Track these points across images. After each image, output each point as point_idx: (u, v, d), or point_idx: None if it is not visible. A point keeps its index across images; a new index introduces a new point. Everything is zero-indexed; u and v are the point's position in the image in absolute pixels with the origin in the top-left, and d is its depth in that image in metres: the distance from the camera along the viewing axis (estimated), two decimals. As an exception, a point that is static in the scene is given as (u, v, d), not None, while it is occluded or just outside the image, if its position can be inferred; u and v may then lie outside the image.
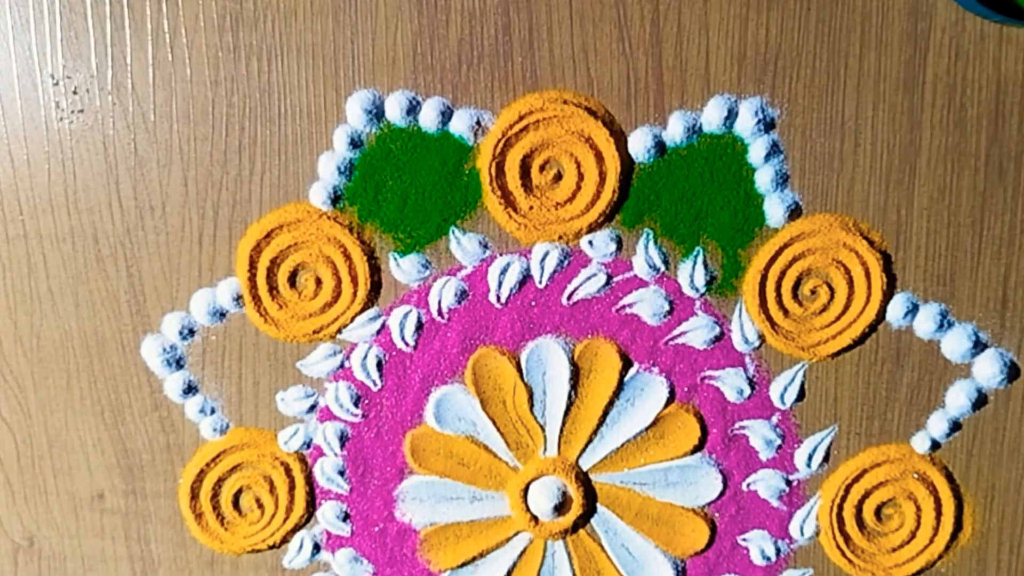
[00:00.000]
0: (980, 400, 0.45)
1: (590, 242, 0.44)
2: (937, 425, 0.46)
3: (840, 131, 0.42)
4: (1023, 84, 0.41)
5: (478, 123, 0.42)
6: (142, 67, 0.43)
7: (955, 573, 0.48)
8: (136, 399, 0.47)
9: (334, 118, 0.43)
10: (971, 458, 0.46)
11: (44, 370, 0.47)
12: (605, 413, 0.46)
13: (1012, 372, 0.45)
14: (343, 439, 0.47)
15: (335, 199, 0.44)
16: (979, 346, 0.45)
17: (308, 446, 0.47)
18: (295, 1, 0.42)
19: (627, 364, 0.46)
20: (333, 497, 0.48)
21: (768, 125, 0.42)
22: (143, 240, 0.45)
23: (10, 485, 0.49)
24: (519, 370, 0.46)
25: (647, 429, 0.46)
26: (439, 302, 0.45)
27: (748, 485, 0.47)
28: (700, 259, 0.44)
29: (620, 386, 0.46)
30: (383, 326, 0.46)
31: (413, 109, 0.43)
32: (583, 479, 0.47)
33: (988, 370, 0.45)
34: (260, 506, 0.48)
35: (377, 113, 0.43)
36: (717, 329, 0.45)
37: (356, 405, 0.47)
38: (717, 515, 0.48)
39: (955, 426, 0.46)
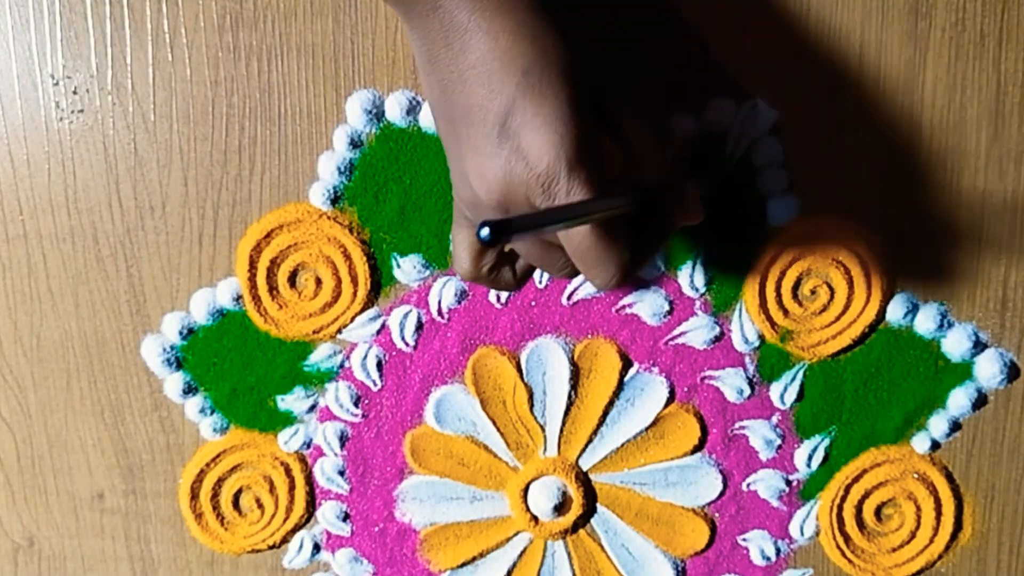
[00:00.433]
0: (980, 400, 0.45)
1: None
2: (937, 425, 0.46)
3: (840, 131, 0.42)
4: (1023, 84, 0.41)
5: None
6: (142, 67, 0.43)
7: (955, 573, 0.48)
8: (136, 399, 0.47)
9: (334, 118, 0.43)
10: (971, 458, 0.46)
11: (44, 370, 0.47)
12: (605, 413, 0.46)
13: (1012, 372, 0.45)
14: (343, 439, 0.47)
15: (335, 199, 0.44)
16: (979, 346, 0.45)
17: (308, 446, 0.47)
18: (295, 1, 0.42)
19: (627, 364, 0.46)
20: (333, 497, 0.48)
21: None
22: (143, 240, 0.45)
23: (10, 485, 0.49)
24: (519, 370, 0.46)
25: (647, 429, 0.46)
26: (439, 302, 0.45)
27: (748, 485, 0.47)
28: (700, 259, 0.44)
29: (620, 386, 0.46)
30: (383, 326, 0.46)
31: (413, 109, 0.43)
32: (583, 479, 0.47)
33: (988, 370, 0.45)
34: (260, 506, 0.48)
35: (377, 113, 0.43)
36: (717, 329, 0.45)
37: (356, 405, 0.47)
38: (717, 515, 0.48)
39: (955, 426, 0.46)
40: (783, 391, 0.45)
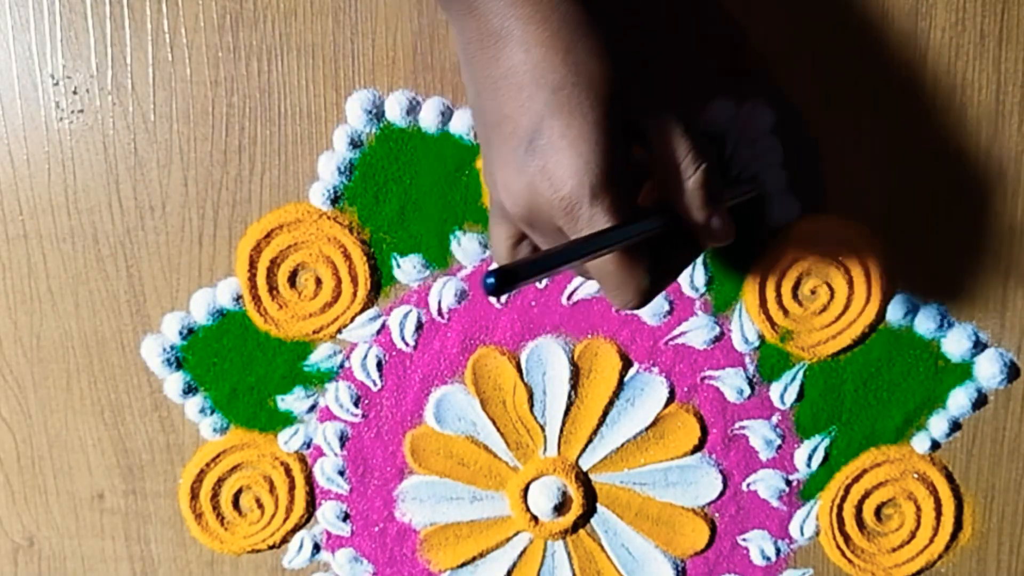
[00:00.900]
0: (980, 400, 0.45)
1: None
2: (937, 425, 0.46)
3: (840, 132, 0.42)
4: (1023, 84, 0.41)
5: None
6: (142, 67, 0.43)
7: (955, 573, 0.48)
8: (136, 399, 0.47)
9: (334, 118, 0.43)
10: (971, 458, 0.46)
11: (44, 370, 0.47)
12: (605, 413, 0.46)
13: (1012, 372, 0.45)
14: (343, 439, 0.47)
15: (335, 199, 0.44)
16: (979, 346, 0.45)
17: (308, 446, 0.47)
18: (295, 1, 0.42)
19: (627, 364, 0.46)
20: (333, 497, 0.48)
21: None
22: (143, 240, 0.45)
23: (10, 485, 0.49)
24: (519, 370, 0.46)
25: (647, 429, 0.46)
26: (439, 302, 0.45)
27: (748, 485, 0.47)
28: (700, 259, 0.44)
29: (620, 386, 0.46)
30: (383, 326, 0.46)
31: (413, 109, 0.43)
32: (583, 479, 0.47)
33: (988, 370, 0.45)
34: (260, 506, 0.48)
35: (377, 113, 0.43)
36: (717, 329, 0.45)
37: (356, 405, 0.47)
38: (717, 515, 0.48)
39: (955, 426, 0.46)
40: (783, 391, 0.45)
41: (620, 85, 0.32)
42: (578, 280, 0.45)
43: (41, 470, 0.49)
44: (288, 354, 0.46)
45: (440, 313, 0.45)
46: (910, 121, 0.42)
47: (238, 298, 0.45)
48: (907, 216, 0.43)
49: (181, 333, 0.46)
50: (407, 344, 0.46)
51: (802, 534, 0.48)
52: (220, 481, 0.48)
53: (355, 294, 0.45)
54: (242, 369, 0.46)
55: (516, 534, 0.48)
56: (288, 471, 0.48)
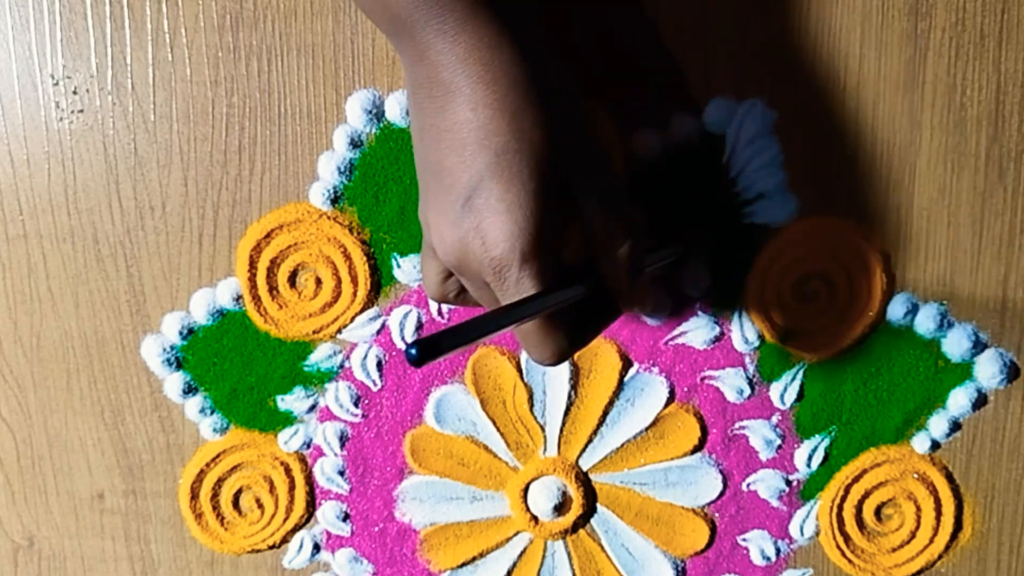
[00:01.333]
0: (980, 400, 0.45)
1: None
2: (937, 425, 0.46)
3: (840, 131, 0.42)
4: (1023, 84, 0.41)
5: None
6: (142, 67, 0.43)
7: (955, 573, 0.48)
8: (136, 399, 0.47)
9: (334, 118, 0.43)
10: (971, 458, 0.46)
11: (44, 370, 0.47)
12: (605, 413, 0.46)
13: (1012, 372, 0.45)
14: (343, 439, 0.47)
15: (335, 199, 0.44)
16: (979, 346, 0.45)
17: (308, 446, 0.47)
18: (295, 1, 0.42)
19: (627, 364, 0.46)
20: (333, 497, 0.48)
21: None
22: (143, 240, 0.45)
23: (10, 485, 0.49)
24: (519, 370, 0.46)
25: (647, 429, 0.46)
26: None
27: (748, 485, 0.47)
28: (700, 259, 0.44)
29: (620, 386, 0.46)
30: (383, 326, 0.46)
31: (413, 109, 0.43)
32: (583, 479, 0.47)
33: (988, 370, 0.45)
34: (260, 506, 0.48)
35: (377, 113, 0.43)
36: (717, 329, 0.45)
37: (356, 405, 0.47)
38: (717, 515, 0.48)
39: (955, 426, 0.46)
40: (783, 391, 0.45)
41: (560, 156, 0.33)
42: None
43: (41, 470, 0.49)
44: (288, 354, 0.46)
45: (440, 313, 0.45)
46: (910, 121, 0.42)
47: (238, 298, 0.45)
48: (907, 216, 0.43)
49: (181, 333, 0.46)
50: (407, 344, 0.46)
51: (802, 534, 0.48)
52: (220, 481, 0.48)
53: (355, 294, 0.45)
54: (242, 369, 0.46)
55: (516, 534, 0.48)
56: (288, 471, 0.48)
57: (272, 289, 0.45)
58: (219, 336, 0.46)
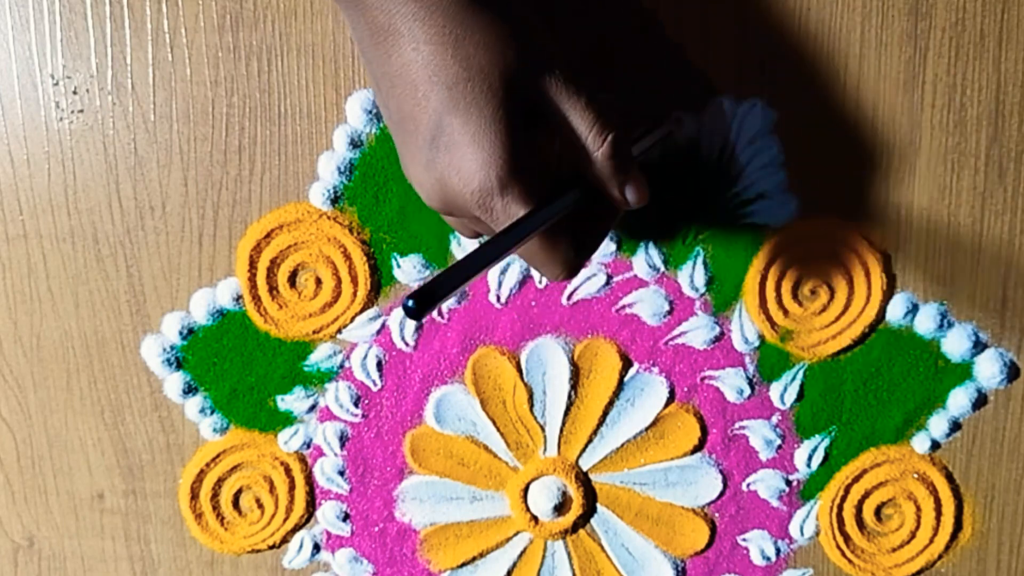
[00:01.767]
0: (980, 400, 0.45)
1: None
2: (937, 425, 0.46)
3: (840, 132, 0.42)
4: (1023, 84, 0.41)
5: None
6: (142, 67, 0.43)
7: (955, 573, 0.48)
8: (136, 399, 0.47)
9: (334, 118, 0.43)
10: (971, 458, 0.46)
11: (44, 370, 0.47)
12: (605, 413, 0.46)
13: (1012, 372, 0.45)
14: (343, 439, 0.47)
15: (335, 199, 0.44)
16: (979, 346, 0.45)
17: (308, 446, 0.47)
18: (295, 1, 0.42)
19: (627, 364, 0.46)
20: (333, 497, 0.48)
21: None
22: (143, 240, 0.45)
23: (10, 485, 0.49)
24: (519, 370, 0.46)
25: (647, 429, 0.46)
26: (439, 302, 0.45)
27: (748, 485, 0.47)
28: (700, 259, 0.44)
29: (620, 386, 0.46)
30: (383, 326, 0.46)
31: (413, 109, 0.42)
32: (583, 479, 0.47)
33: (988, 370, 0.45)
34: (260, 506, 0.48)
35: (377, 113, 0.43)
36: (717, 329, 0.45)
37: (356, 405, 0.47)
38: (717, 515, 0.48)
39: (955, 426, 0.46)
40: (783, 391, 0.45)
41: (514, 72, 0.32)
42: (578, 280, 0.45)
43: (41, 470, 0.49)
44: (288, 354, 0.46)
45: (440, 313, 0.45)
46: (910, 121, 0.42)
47: (238, 298, 0.45)
48: (907, 216, 0.43)
49: (181, 333, 0.46)
50: (407, 344, 0.46)
51: (802, 534, 0.48)
52: (220, 481, 0.48)
53: (355, 294, 0.45)
54: (242, 369, 0.46)
55: (516, 534, 0.48)
56: (288, 471, 0.48)
57: (272, 289, 0.45)
58: (219, 336, 0.46)
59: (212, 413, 0.47)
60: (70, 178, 0.44)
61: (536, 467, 0.47)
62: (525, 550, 0.49)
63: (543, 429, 0.47)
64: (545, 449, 0.47)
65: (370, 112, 0.42)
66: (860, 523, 0.47)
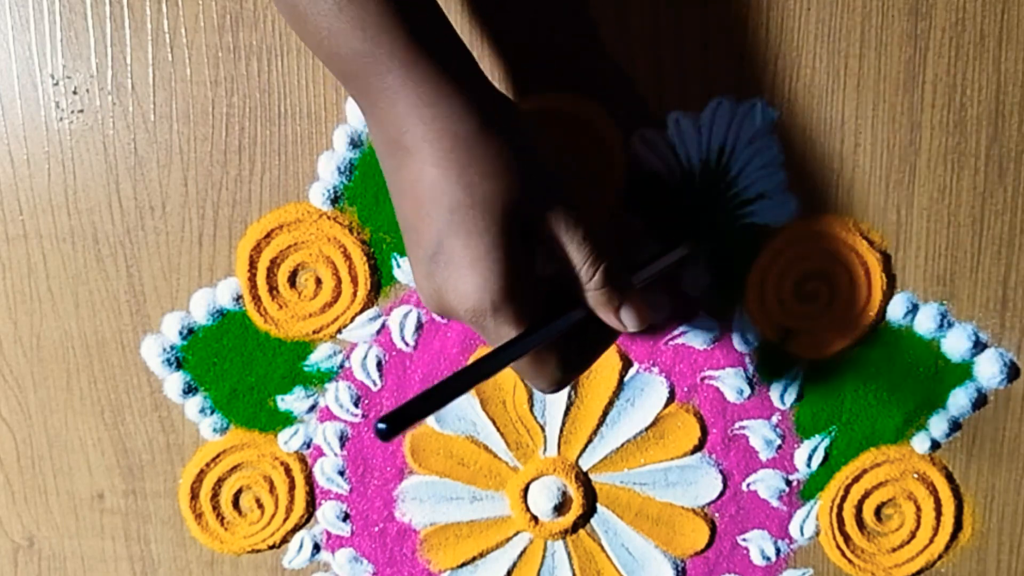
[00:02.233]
0: (980, 400, 0.45)
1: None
2: (937, 425, 0.46)
3: (840, 131, 0.42)
4: (1023, 84, 0.41)
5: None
6: (142, 67, 0.43)
7: (955, 573, 0.48)
8: (136, 399, 0.47)
9: (334, 118, 0.43)
10: (971, 458, 0.46)
11: (44, 370, 0.47)
12: (605, 413, 0.46)
13: (1012, 372, 0.45)
14: (343, 439, 0.47)
15: (335, 199, 0.44)
16: (979, 346, 0.45)
17: (308, 446, 0.47)
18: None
19: (627, 364, 0.46)
20: (333, 497, 0.48)
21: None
22: (143, 240, 0.45)
23: (10, 485, 0.49)
24: (519, 370, 0.46)
25: (647, 429, 0.46)
26: (439, 302, 0.45)
27: (748, 485, 0.47)
28: (700, 259, 0.44)
29: (620, 386, 0.46)
30: (383, 326, 0.46)
31: (413, 109, 0.42)
32: (583, 479, 0.47)
33: (988, 370, 0.45)
34: (260, 506, 0.48)
35: (377, 113, 0.43)
36: (717, 329, 0.45)
37: (356, 405, 0.47)
38: (717, 515, 0.48)
39: (955, 426, 0.46)
40: (783, 391, 0.45)
41: (516, 203, 0.33)
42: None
43: (41, 470, 0.49)
44: (288, 354, 0.46)
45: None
46: (910, 121, 0.42)
47: (238, 298, 0.45)
48: (907, 216, 0.43)
49: (181, 333, 0.46)
50: (407, 344, 0.46)
51: (802, 534, 0.48)
52: (220, 481, 0.48)
53: (355, 294, 0.45)
54: (242, 369, 0.46)
55: (516, 534, 0.48)
56: (288, 471, 0.48)
57: (272, 289, 0.45)
58: (219, 336, 0.46)
59: (212, 413, 0.47)
60: (70, 178, 0.44)
61: (536, 467, 0.47)
62: (525, 550, 0.49)
63: (543, 429, 0.47)
64: (545, 449, 0.47)
65: (370, 112, 0.42)
66: (860, 523, 0.47)
